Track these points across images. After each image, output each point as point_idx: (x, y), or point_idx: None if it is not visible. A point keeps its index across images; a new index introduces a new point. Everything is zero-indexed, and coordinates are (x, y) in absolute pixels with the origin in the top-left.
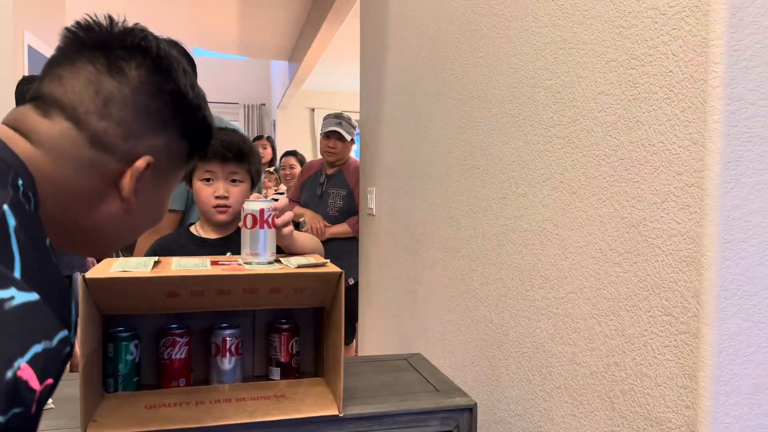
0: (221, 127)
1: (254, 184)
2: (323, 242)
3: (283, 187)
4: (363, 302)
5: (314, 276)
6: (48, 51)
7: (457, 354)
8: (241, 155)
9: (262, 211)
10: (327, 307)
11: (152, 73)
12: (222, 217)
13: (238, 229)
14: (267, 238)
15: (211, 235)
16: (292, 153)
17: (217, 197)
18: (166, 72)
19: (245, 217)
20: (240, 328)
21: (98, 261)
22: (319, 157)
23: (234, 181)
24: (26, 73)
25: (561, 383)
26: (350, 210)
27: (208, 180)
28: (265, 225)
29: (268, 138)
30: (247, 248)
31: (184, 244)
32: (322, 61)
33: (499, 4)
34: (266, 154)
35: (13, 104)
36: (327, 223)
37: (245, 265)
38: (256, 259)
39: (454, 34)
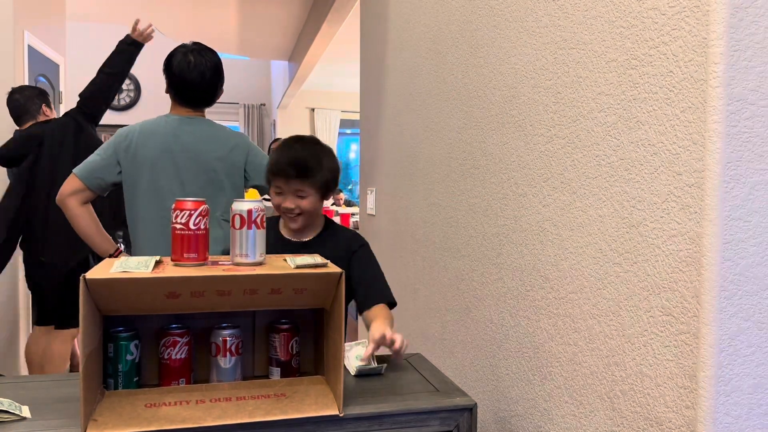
0: (300, 138)
1: (325, 195)
2: None
3: None
4: None
5: (314, 277)
6: (48, 51)
7: (457, 354)
8: (304, 172)
9: (249, 211)
10: (327, 308)
11: None
12: (293, 225)
13: (318, 236)
14: (256, 239)
15: (291, 237)
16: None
17: (285, 208)
18: None
19: (233, 217)
20: (240, 328)
21: None
22: None
23: (300, 196)
24: (26, 73)
25: (561, 383)
26: None
27: (279, 193)
28: (254, 225)
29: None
30: (237, 249)
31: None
32: (322, 61)
33: (499, 4)
34: None
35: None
36: None
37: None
38: (245, 259)
39: (454, 34)
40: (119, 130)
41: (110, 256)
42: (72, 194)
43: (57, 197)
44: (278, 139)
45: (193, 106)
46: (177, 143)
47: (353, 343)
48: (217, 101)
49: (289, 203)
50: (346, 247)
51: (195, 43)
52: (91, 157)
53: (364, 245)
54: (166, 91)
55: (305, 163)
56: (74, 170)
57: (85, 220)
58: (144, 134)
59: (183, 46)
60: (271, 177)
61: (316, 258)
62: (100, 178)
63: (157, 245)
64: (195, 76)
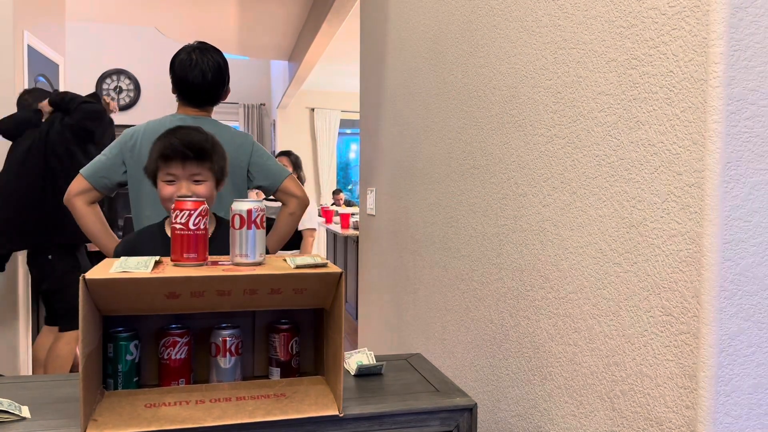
0: (182, 126)
1: (219, 182)
2: None
3: None
4: (363, 302)
5: (314, 277)
6: (48, 51)
7: (457, 354)
8: (202, 154)
9: (249, 211)
10: (327, 308)
11: None
12: None
13: (212, 236)
14: (256, 239)
15: None
16: (286, 153)
17: (180, 197)
18: None
19: (233, 217)
20: (240, 328)
21: None
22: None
23: (197, 181)
24: (26, 73)
25: (561, 383)
26: None
27: (170, 181)
28: (253, 225)
29: (287, 153)
30: (236, 249)
31: (156, 247)
32: (322, 61)
33: (499, 4)
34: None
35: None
36: None
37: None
38: (244, 259)
39: (454, 34)
40: (125, 130)
41: None
42: (78, 194)
43: (64, 197)
44: (286, 152)
45: (197, 106)
46: None
47: (354, 351)
48: None
49: (184, 190)
50: None
51: (200, 43)
52: (98, 157)
53: None
54: (173, 91)
55: (202, 145)
56: (81, 170)
57: (91, 220)
58: (148, 134)
59: (188, 45)
60: (161, 164)
61: (316, 258)
62: (105, 177)
63: None
64: (196, 75)
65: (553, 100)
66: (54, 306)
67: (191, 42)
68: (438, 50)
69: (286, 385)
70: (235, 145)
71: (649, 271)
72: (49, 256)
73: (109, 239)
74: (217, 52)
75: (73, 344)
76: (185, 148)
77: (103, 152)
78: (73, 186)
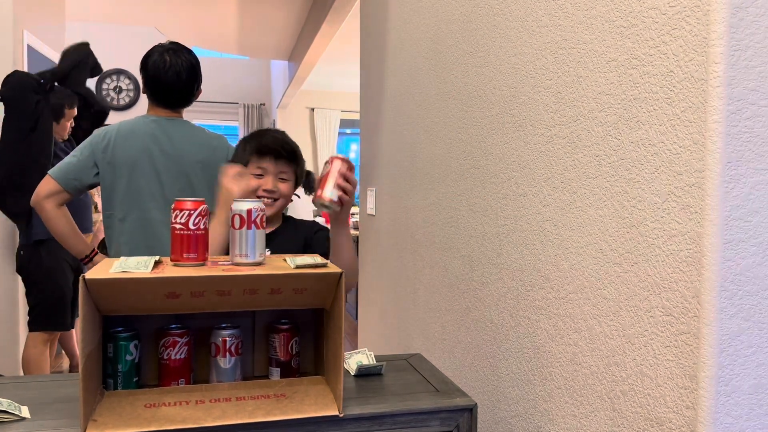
0: (267, 129)
1: (297, 184)
2: None
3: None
4: (363, 302)
5: (314, 277)
6: (48, 51)
7: (457, 354)
8: (293, 155)
9: (249, 211)
10: (327, 308)
11: None
12: (268, 210)
13: (279, 227)
14: (255, 239)
15: None
16: None
17: (266, 190)
18: None
19: (233, 217)
20: (240, 328)
21: None
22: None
23: (282, 179)
24: None
25: (561, 383)
26: None
27: (258, 175)
28: (253, 225)
29: None
30: (236, 249)
31: None
32: (322, 61)
33: (499, 4)
34: None
35: None
36: None
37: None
38: (244, 259)
39: (454, 34)
40: (96, 130)
41: (86, 257)
42: (48, 196)
43: (32, 199)
44: None
45: (169, 107)
46: (156, 145)
47: (353, 351)
48: (217, 101)
49: (270, 185)
50: (307, 232)
51: (172, 43)
52: (67, 159)
53: (323, 229)
54: (143, 91)
55: (293, 146)
56: (49, 172)
57: (61, 222)
58: (122, 135)
59: (160, 45)
60: (255, 158)
61: (316, 258)
62: (77, 179)
63: (137, 246)
64: (171, 77)
65: (553, 100)
66: (29, 303)
67: (164, 42)
68: (438, 50)
69: (286, 385)
70: (211, 147)
71: (649, 271)
72: (21, 252)
73: (78, 241)
74: (190, 52)
75: (40, 347)
76: (280, 147)
77: (72, 153)
78: (42, 188)
